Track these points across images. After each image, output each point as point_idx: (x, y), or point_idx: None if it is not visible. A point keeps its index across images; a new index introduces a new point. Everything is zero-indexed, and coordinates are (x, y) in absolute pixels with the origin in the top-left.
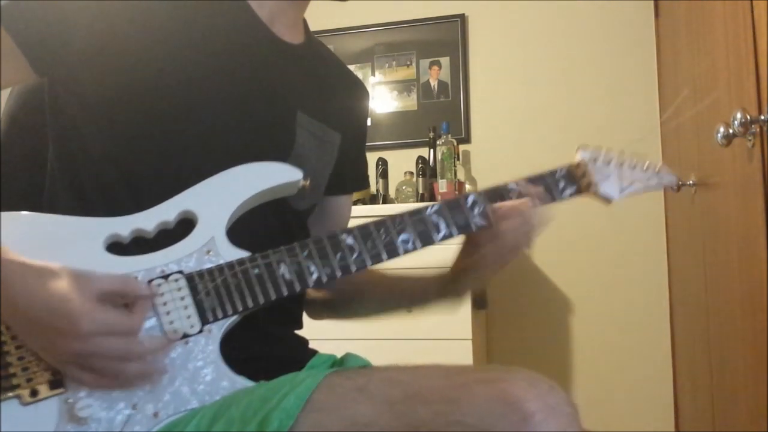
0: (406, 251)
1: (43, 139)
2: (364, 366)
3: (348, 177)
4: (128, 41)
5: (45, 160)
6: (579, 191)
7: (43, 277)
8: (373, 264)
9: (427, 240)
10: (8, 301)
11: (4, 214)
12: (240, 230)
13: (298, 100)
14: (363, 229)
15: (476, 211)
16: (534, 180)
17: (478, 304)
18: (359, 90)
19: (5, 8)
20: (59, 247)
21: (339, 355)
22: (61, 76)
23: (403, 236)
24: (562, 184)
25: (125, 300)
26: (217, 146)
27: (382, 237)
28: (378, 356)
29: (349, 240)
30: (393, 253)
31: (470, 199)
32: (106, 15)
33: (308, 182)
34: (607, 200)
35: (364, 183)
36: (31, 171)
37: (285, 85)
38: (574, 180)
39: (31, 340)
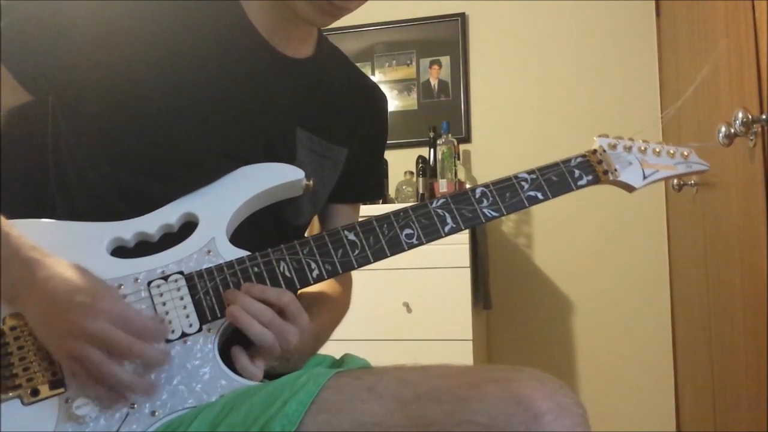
0: (411, 246)
1: (43, 147)
2: (369, 366)
3: (353, 187)
4: (118, 57)
5: (46, 168)
6: (596, 179)
7: (78, 267)
8: (375, 260)
9: (432, 234)
10: (32, 280)
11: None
12: (239, 245)
13: (297, 116)
14: (365, 224)
15: (485, 203)
16: (547, 168)
17: (484, 304)
18: (374, 101)
19: None
20: (63, 250)
21: (338, 355)
22: (53, 94)
23: (407, 231)
24: (577, 173)
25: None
26: (212, 162)
27: (385, 232)
28: (378, 357)
29: (351, 236)
30: (396, 249)
31: (478, 191)
32: (96, 33)
33: (312, 182)
34: (628, 188)
35: (372, 194)
36: (31, 179)
37: (283, 101)
38: (590, 168)
39: (43, 320)
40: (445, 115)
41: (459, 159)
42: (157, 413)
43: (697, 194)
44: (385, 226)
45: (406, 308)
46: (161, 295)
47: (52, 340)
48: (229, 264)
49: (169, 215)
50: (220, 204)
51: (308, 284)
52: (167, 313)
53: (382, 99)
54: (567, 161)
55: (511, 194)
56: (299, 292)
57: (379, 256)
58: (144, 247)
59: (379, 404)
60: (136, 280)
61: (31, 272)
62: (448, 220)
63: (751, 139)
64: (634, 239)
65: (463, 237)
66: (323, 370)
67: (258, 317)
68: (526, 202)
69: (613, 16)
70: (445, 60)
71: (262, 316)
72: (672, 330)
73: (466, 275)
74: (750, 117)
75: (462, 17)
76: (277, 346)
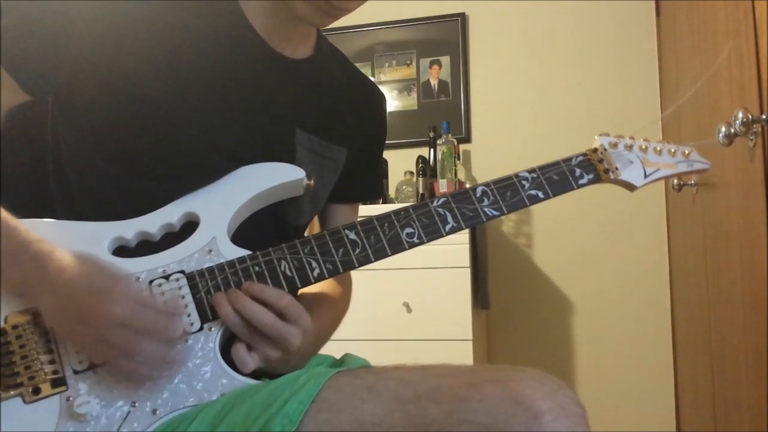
0: (412, 245)
1: (43, 147)
2: (369, 366)
3: (353, 187)
4: (118, 58)
5: (46, 168)
6: (597, 178)
7: (88, 256)
8: (376, 259)
9: (433, 233)
10: (44, 273)
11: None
12: (240, 244)
13: (296, 117)
14: (366, 223)
15: (486, 202)
16: (548, 167)
17: (482, 304)
18: (373, 100)
19: None
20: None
21: (338, 355)
22: (53, 95)
23: (408, 230)
24: (578, 171)
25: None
26: (212, 163)
27: (386, 231)
28: (378, 357)
29: (352, 235)
30: (397, 248)
31: (479, 190)
32: (96, 33)
33: (313, 182)
34: (629, 187)
35: (371, 194)
36: (31, 179)
37: (282, 101)
38: (591, 166)
39: (61, 310)
40: (445, 115)
41: (459, 159)
42: (158, 412)
43: (697, 194)
44: (386, 225)
45: (406, 308)
46: (163, 294)
47: (75, 330)
48: (230, 263)
49: (170, 215)
50: (222, 203)
51: (309, 283)
52: None
53: (381, 99)
54: (568, 160)
55: (512, 193)
56: (300, 291)
57: (380, 255)
58: (145, 247)
59: (379, 404)
60: (138, 279)
61: (42, 266)
62: (449, 219)
63: (751, 139)
64: (634, 239)
65: (463, 237)
66: (323, 370)
67: (259, 319)
68: (526, 201)
69: (613, 16)
70: (445, 60)
71: (263, 318)
72: (672, 330)
73: (466, 275)
74: (750, 117)
75: (462, 17)
76: (247, 333)
